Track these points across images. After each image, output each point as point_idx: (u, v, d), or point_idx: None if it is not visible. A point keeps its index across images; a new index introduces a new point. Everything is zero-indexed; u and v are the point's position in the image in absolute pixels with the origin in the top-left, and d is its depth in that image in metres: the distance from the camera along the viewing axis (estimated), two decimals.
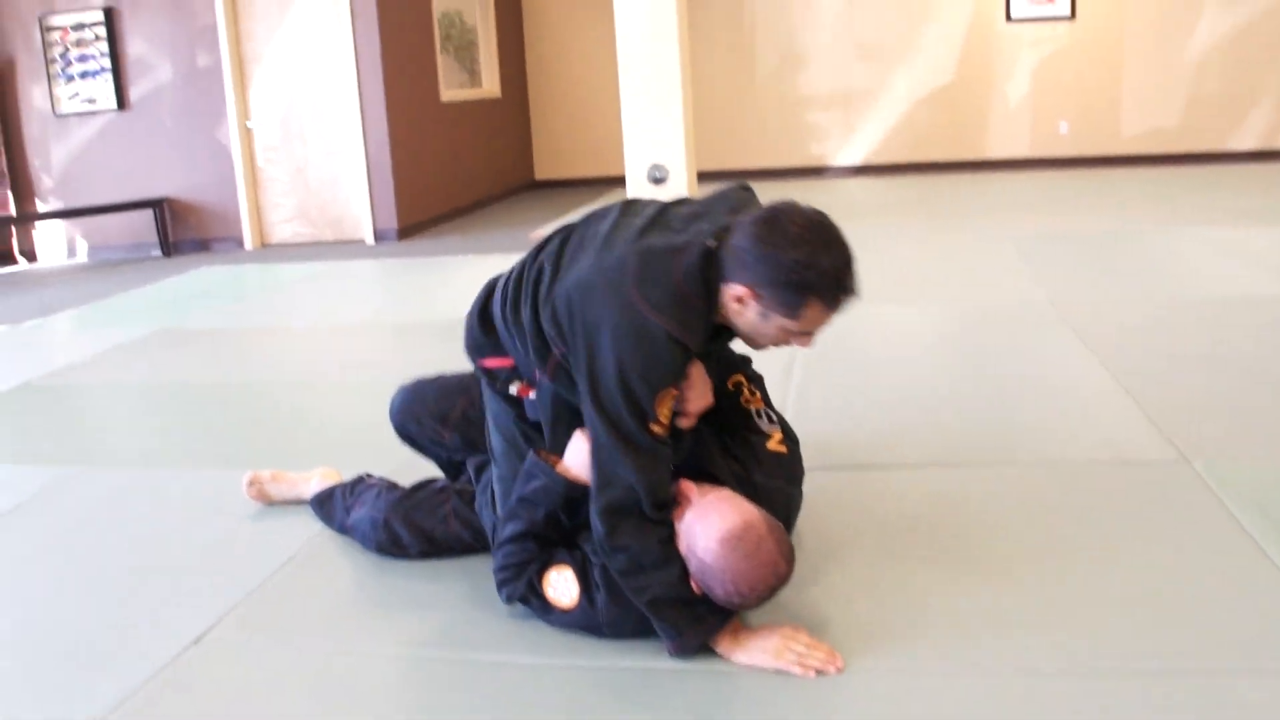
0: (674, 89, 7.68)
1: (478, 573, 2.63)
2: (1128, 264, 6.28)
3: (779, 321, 2.17)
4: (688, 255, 2.16)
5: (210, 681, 2.29)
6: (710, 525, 2.16)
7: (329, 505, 2.99)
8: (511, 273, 2.44)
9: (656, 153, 7.82)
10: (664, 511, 2.22)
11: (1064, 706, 2.04)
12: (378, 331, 5.61)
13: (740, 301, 2.16)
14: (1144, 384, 3.95)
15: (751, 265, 2.11)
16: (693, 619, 2.18)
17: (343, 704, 2.18)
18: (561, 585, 2.30)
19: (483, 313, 2.51)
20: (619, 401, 2.13)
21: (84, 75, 9.06)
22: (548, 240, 2.40)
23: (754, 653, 2.19)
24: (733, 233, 2.17)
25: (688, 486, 2.27)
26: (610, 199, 10.66)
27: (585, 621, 2.30)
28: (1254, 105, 10.95)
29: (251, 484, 3.23)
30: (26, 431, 4.31)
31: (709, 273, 2.16)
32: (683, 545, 2.20)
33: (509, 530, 2.37)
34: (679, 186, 7.86)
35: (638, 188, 7.91)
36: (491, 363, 2.50)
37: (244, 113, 8.97)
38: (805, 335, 2.22)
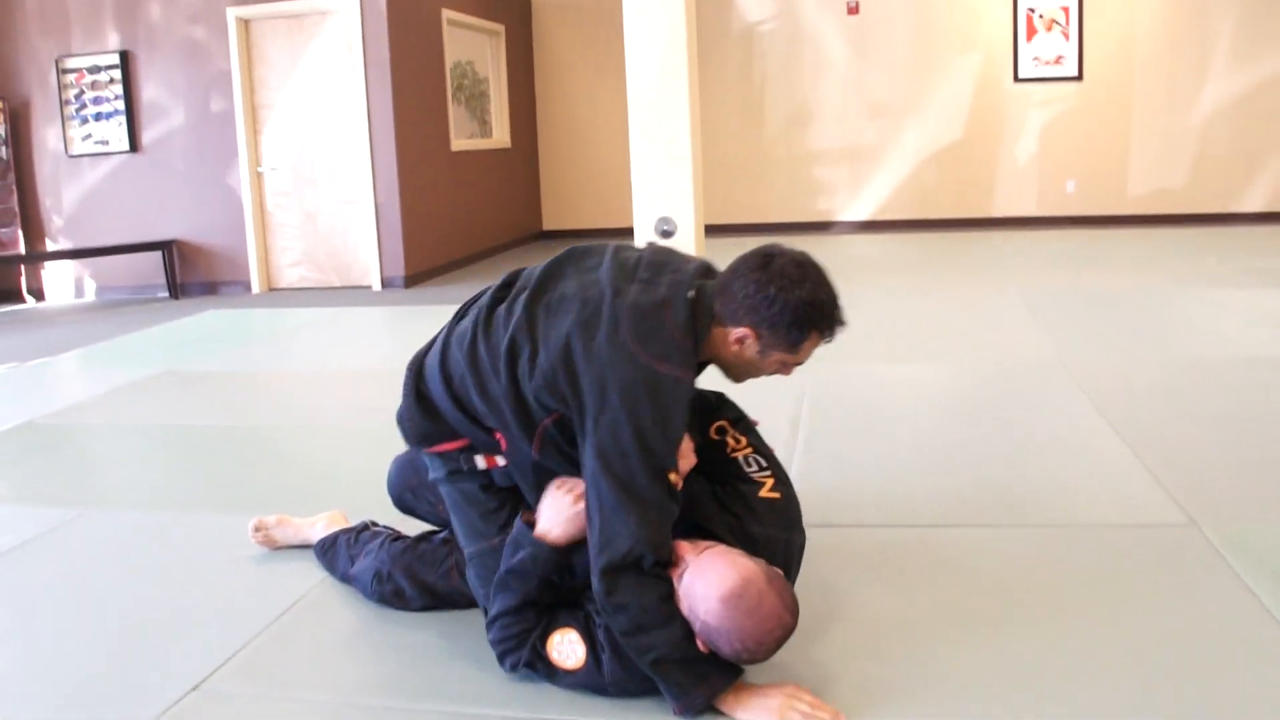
0: (683, 144, 7.71)
1: (480, 626, 2.60)
2: (1137, 323, 6.28)
3: (778, 356, 2.34)
4: (675, 307, 2.26)
5: None
6: (709, 585, 2.13)
7: (332, 554, 2.97)
8: (449, 354, 2.47)
9: (665, 206, 7.84)
10: (664, 569, 2.21)
11: None
12: (383, 378, 5.58)
13: (740, 342, 2.31)
14: (1152, 445, 3.93)
15: (756, 308, 2.26)
16: (697, 677, 2.16)
17: None
18: (566, 648, 2.28)
19: (420, 399, 2.50)
20: (633, 459, 2.14)
21: (98, 117, 9.13)
22: (489, 310, 2.45)
23: (757, 712, 2.16)
24: (727, 279, 2.31)
25: (683, 547, 2.25)
26: None
27: (591, 682, 2.27)
28: (1261, 167, 11.01)
29: (257, 529, 3.22)
30: (29, 472, 4.29)
31: (695, 320, 2.27)
32: (684, 607, 2.17)
33: (501, 604, 2.34)
34: (687, 240, 7.88)
35: (646, 241, 7.92)
36: (444, 447, 2.48)
37: (255, 158, 9.02)
38: (799, 364, 2.39)
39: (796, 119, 11.76)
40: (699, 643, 2.16)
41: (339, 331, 7.17)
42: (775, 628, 2.12)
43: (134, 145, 9.14)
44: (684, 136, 7.68)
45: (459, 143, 10.16)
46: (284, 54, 8.91)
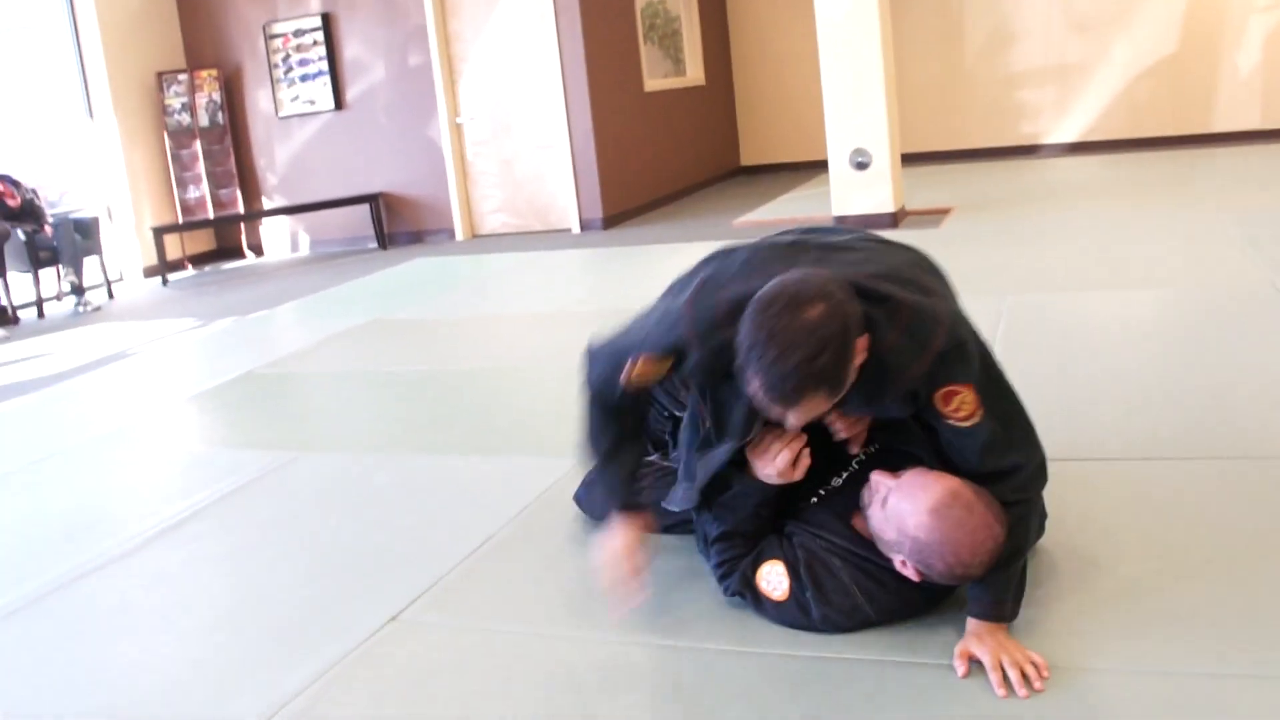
0: (876, 74, 7.55)
1: (667, 559, 2.65)
2: None
3: None
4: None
5: (401, 660, 2.38)
6: (917, 501, 2.11)
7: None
8: None
9: (859, 138, 7.71)
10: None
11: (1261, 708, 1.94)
12: (583, 319, 5.70)
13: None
14: None
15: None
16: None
17: (526, 686, 2.24)
18: (774, 579, 2.30)
19: None
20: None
21: (304, 78, 9.52)
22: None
23: (985, 645, 2.14)
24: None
25: (880, 475, 2.23)
26: (815, 183, 10.59)
27: (794, 617, 2.29)
28: None
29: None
30: (249, 418, 4.56)
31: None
32: (892, 531, 2.16)
33: (715, 530, 2.41)
34: (882, 170, 7.74)
35: (840, 173, 7.82)
36: None
37: (454, 109, 9.26)
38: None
39: (997, 38, 11.33)
40: (912, 570, 2.16)
41: (539, 275, 7.33)
42: (987, 538, 2.08)
43: (339, 103, 9.50)
44: (876, 65, 7.52)
45: (652, 83, 10.19)
46: (477, 6, 9.08)
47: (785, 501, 2.40)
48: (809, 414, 2.02)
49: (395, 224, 9.64)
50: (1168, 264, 5.73)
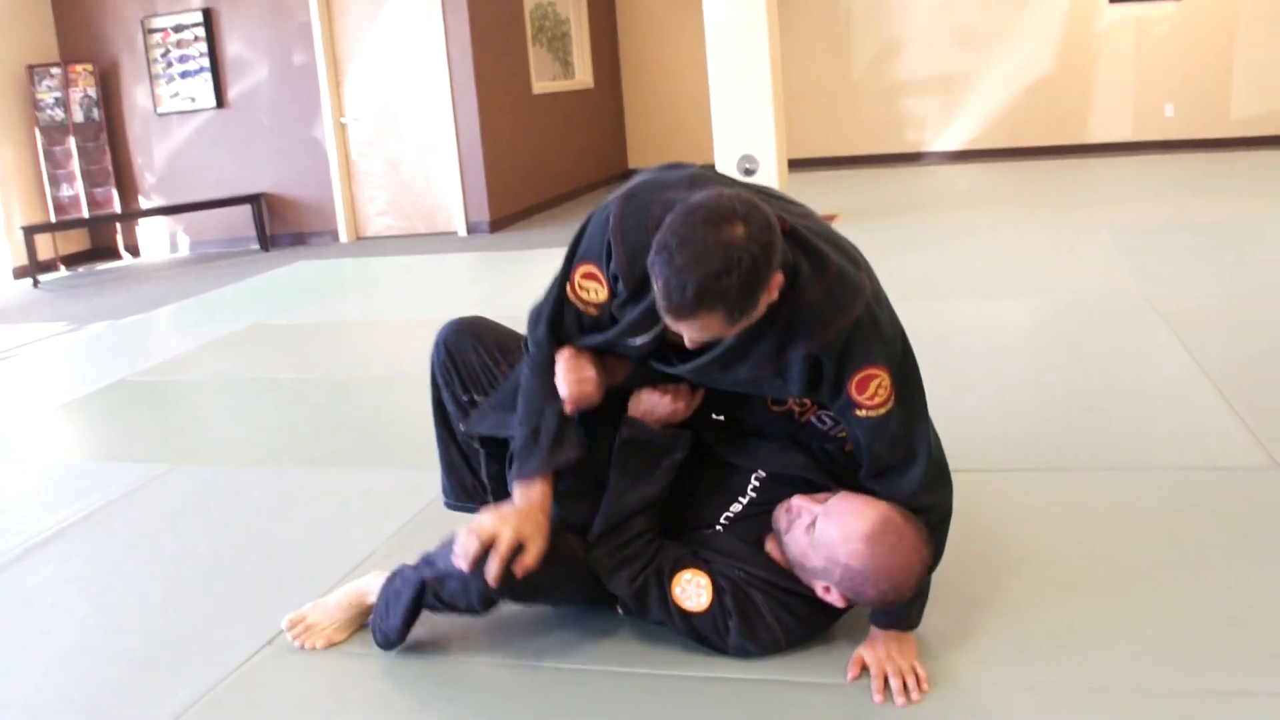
0: (763, 80, 7.60)
1: None
2: (1235, 256, 6.08)
3: None
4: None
5: (280, 686, 2.32)
6: (848, 528, 2.09)
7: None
8: None
9: (746, 144, 7.76)
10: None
11: None
12: None
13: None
14: (1237, 383, 3.82)
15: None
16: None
17: (410, 711, 2.20)
18: (693, 590, 2.21)
19: None
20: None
21: (184, 75, 9.28)
22: None
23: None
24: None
25: (800, 500, 2.21)
26: None
27: (707, 631, 2.23)
28: None
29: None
30: (121, 429, 4.42)
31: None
32: (818, 559, 2.12)
33: (601, 524, 2.34)
34: (769, 176, 7.80)
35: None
36: None
37: (339, 109, 9.11)
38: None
39: (885, 49, 11.52)
40: (837, 596, 2.15)
41: (425, 279, 7.24)
42: (917, 562, 2.09)
43: (220, 101, 9.28)
44: (764, 71, 7.57)
45: (541, 85, 10.14)
46: (364, 5, 8.95)
47: (672, 517, 2.36)
48: (704, 331, 1.94)
49: (278, 225, 9.45)
50: (1046, 272, 5.87)
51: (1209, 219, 7.14)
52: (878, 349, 2.07)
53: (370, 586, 2.46)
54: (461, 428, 2.57)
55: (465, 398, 2.60)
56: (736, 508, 2.35)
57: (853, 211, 8.45)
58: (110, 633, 2.63)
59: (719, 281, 1.82)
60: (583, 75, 11.24)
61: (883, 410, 2.09)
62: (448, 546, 2.21)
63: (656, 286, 1.88)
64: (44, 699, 2.35)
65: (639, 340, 2.16)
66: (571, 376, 2.25)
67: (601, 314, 2.17)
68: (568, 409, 2.27)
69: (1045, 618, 2.36)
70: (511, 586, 2.17)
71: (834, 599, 2.15)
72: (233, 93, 9.28)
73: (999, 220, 7.61)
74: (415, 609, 2.30)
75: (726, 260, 1.82)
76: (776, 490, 2.32)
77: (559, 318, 2.23)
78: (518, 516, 2.19)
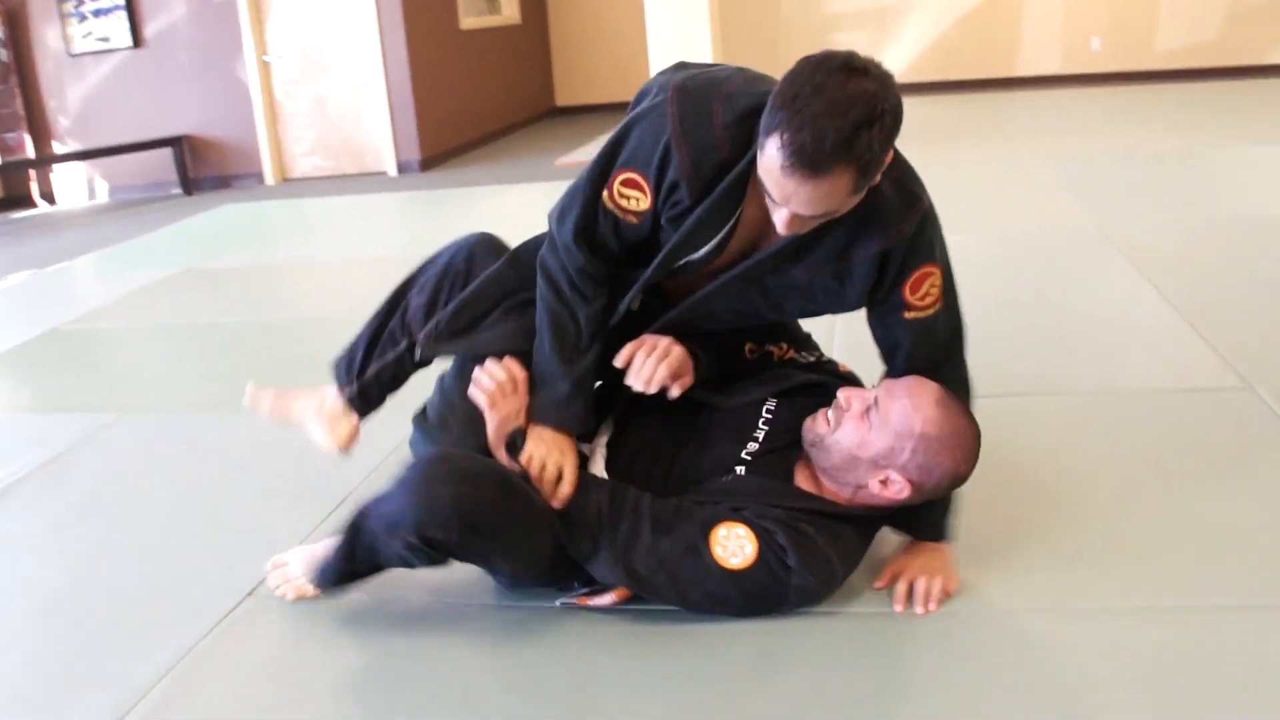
0: (702, 17, 7.49)
1: None
2: (1176, 184, 6.13)
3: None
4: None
5: (265, 640, 2.22)
6: (918, 396, 2.02)
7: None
8: None
9: None
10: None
11: (1145, 643, 1.97)
12: (404, 264, 5.48)
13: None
14: (1202, 310, 3.83)
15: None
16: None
17: (406, 658, 2.11)
18: (734, 543, 1.99)
19: None
20: None
21: (97, 13, 8.90)
22: None
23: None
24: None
25: (845, 391, 2.10)
26: None
27: (763, 582, 2.00)
28: None
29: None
30: (57, 380, 4.24)
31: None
32: (885, 439, 2.01)
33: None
34: None
35: None
36: None
37: (261, 46, 8.81)
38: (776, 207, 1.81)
39: None
40: (904, 482, 2.04)
41: (357, 219, 7.06)
42: (976, 433, 2.09)
43: (136, 40, 8.92)
44: (702, 6, 7.45)
45: (468, 21, 9.92)
46: None
47: (685, 468, 2.19)
48: (822, 200, 1.72)
49: (201, 168, 9.15)
50: (996, 207, 5.86)
51: (1146, 151, 7.19)
52: (937, 245, 2.02)
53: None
54: (420, 345, 2.29)
55: (441, 311, 2.31)
56: (754, 445, 2.18)
57: None
58: (75, 593, 2.50)
59: (861, 133, 1.65)
60: (509, 10, 11.00)
61: (931, 311, 2.03)
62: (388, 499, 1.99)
63: (778, 141, 1.66)
64: (13, 664, 2.23)
65: (703, 250, 1.99)
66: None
67: (643, 222, 1.99)
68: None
69: (1047, 541, 2.34)
70: (466, 525, 1.91)
71: (894, 491, 2.04)
72: (149, 31, 8.92)
73: (940, 155, 7.58)
74: (350, 546, 2.07)
75: (869, 110, 1.65)
76: (790, 416, 2.21)
77: (591, 223, 2.03)
78: (561, 448, 2.09)
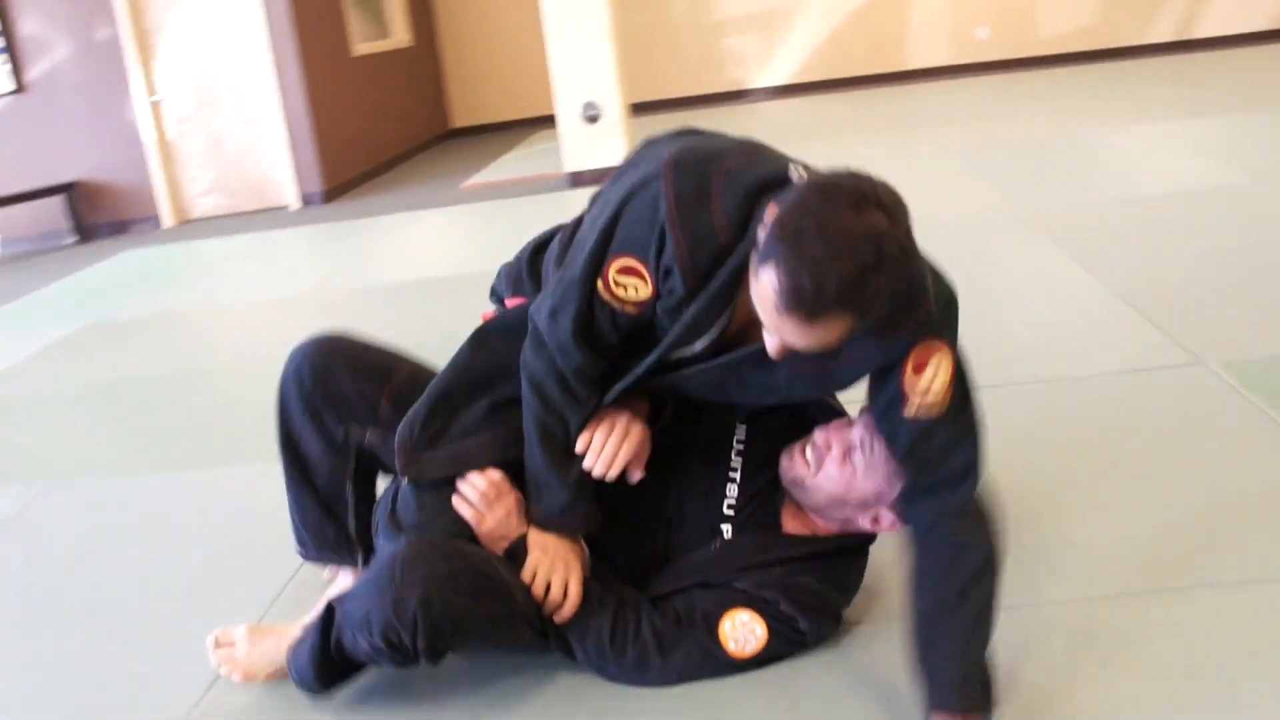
0: (603, 24, 7.44)
1: None
2: (1078, 165, 6.24)
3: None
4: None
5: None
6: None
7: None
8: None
9: (588, 91, 7.60)
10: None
11: (1150, 628, 1.97)
12: (322, 302, 5.36)
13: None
14: (1135, 288, 3.89)
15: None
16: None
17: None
18: (743, 631, 1.95)
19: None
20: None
21: None
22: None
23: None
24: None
25: (820, 433, 2.00)
26: (534, 141, 10.44)
27: (779, 650, 1.98)
28: None
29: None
30: None
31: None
32: (873, 481, 1.92)
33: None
34: (613, 122, 7.66)
35: (571, 128, 7.69)
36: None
37: (150, 85, 8.55)
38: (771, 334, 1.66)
39: None
40: (890, 519, 1.95)
41: (264, 258, 6.88)
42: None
43: (19, 85, 8.59)
44: (603, 15, 7.40)
45: (360, 46, 9.76)
46: None
47: (663, 540, 2.08)
48: (819, 338, 1.57)
49: (94, 214, 8.84)
50: (906, 197, 5.87)
51: (1042, 135, 7.31)
52: (947, 328, 1.80)
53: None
54: (401, 466, 2.03)
55: (341, 434, 2.16)
56: (733, 491, 2.07)
57: None
58: (36, 680, 2.36)
59: (867, 281, 1.49)
60: (400, 33, 10.86)
61: (936, 411, 1.78)
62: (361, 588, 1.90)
63: (775, 279, 1.50)
64: None
65: (697, 345, 1.83)
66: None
67: (643, 313, 1.81)
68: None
69: (1022, 531, 2.31)
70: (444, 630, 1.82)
71: (886, 525, 1.98)
72: (31, 75, 8.59)
73: (841, 150, 7.63)
74: (324, 645, 1.94)
75: (876, 253, 1.49)
76: (765, 445, 2.10)
77: (588, 318, 1.83)
78: (565, 559, 1.98)
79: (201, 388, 4.30)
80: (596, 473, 1.97)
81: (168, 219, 8.75)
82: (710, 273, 1.72)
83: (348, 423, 2.15)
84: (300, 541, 2.28)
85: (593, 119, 7.63)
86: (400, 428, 2.02)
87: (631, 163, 1.92)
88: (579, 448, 1.97)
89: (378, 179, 9.72)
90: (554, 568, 1.97)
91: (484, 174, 9.06)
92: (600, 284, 1.80)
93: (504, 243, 6.40)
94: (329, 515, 2.22)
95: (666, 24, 11.55)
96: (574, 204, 7.12)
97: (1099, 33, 11.10)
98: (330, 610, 1.92)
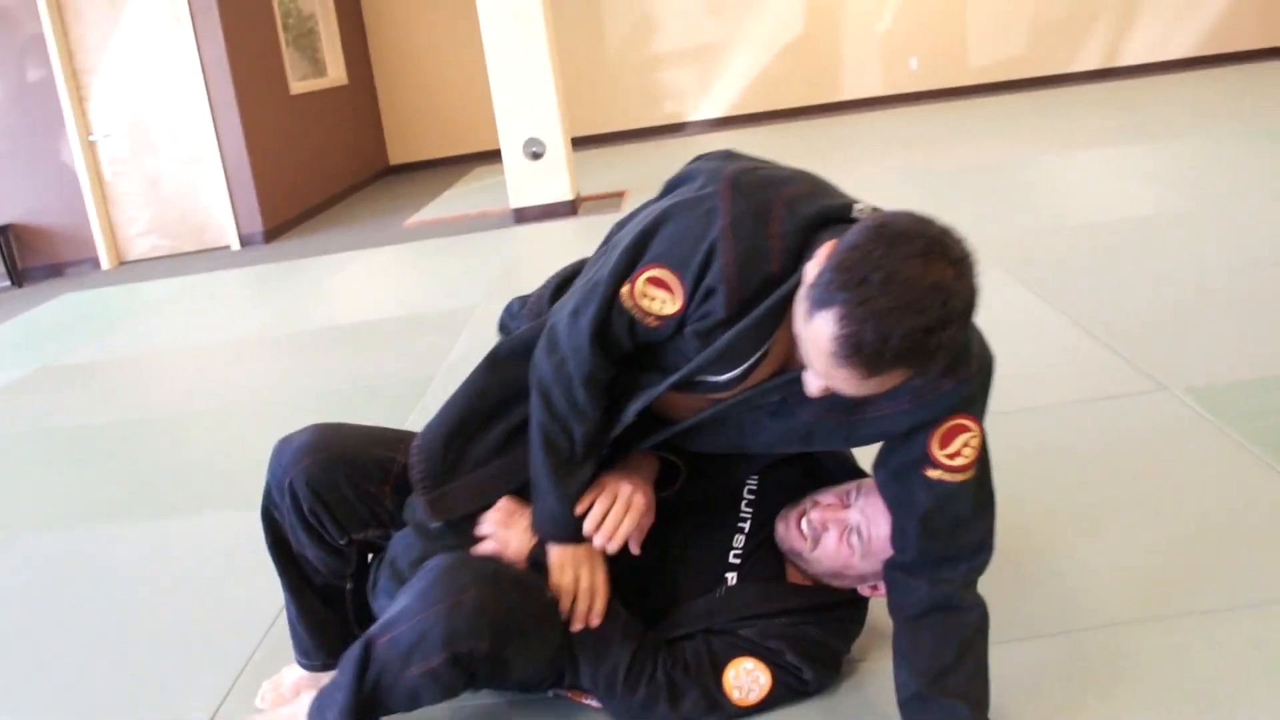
0: (543, 62, 7.46)
1: None
2: (1022, 192, 6.35)
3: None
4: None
5: None
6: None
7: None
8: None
9: (531, 128, 7.61)
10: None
11: (1141, 658, 2.00)
12: (270, 344, 5.30)
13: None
14: (1090, 314, 3.96)
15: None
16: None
17: None
18: (747, 680, 1.94)
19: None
20: None
21: None
22: None
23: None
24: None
25: (816, 512, 1.98)
26: (474, 177, 10.43)
27: (781, 699, 1.98)
28: (1095, 23, 11.25)
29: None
30: None
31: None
32: (872, 562, 1.92)
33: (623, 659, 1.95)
34: (557, 158, 7.67)
35: (515, 164, 7.70)
36: None
37: (85, 126, 8.43)
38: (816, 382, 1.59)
39: (638, 24, 11.54)
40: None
41: (208, 299, 6.79)
42: None
43: None
44: (543, 53, 7.44)
45: (297, 85, 9.70)
46: (101, 10, 8.28)
47: (669, 586, 2.05)
48: (870, 388, 1.51)
49: (29, 258, 8.68)
50: None
51: (982, 161, 7.44)
52: (981, 403, 1.75)
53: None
54: (425, 504, 1.96)
55: (343, 541, 2.06)
56: (740, 540, 2.05)
57: (639, 186, 8.42)
58: None
59: (931, 338, 1.43)
60: (335, 72, 10.82)
61: (962, 476, 1.73)
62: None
63: (834, 326, 1.43)
64: None
65: (726, 375, 1.74)
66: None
67: (663, 328, 1.73)
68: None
69: (1006, 566, 2.32)
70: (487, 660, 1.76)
71: (883, 592, 1.96)
72: None
73: None
74: (358, 690, 1.78)
75: (944, 311, 1.43)
76: (776, 494, 2.09)
77: (605, 323, 1.75)
78: (579, 559, 1.93)
79: (170, 433, 4.22)
80: (595, 545, 1.92)
81: (106, 260, 8.61)
82: (755, 299, 1.64)
83: (349, 530, 2.05)
84: (303, 651, 2.17)
85: (536, 155, 7.64)
86: (414, 464, 1.96)
87: (681, 177, 1.84)
88: (578, 510, 1.92)
89: (318, 217, 9.66)
90: (580, 571, 1.92)
91: (426, 211, 9.03)
92: (626, 289, 1.72)
93: (452, 279, 6.46)
94: (330, 608, 2.13)
95: (604, 59, 11.62)
96: (519, 240, 7.13)
97: (1028, 62, 11.34)
98: (366, 649, 1.79)
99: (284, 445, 2.07)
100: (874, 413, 1.73)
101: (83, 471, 3.99)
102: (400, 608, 1.79)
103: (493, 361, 1.98)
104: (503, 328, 2.19)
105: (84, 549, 3.22)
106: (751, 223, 1.62)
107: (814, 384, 1.58)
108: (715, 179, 1.69)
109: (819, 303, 1.46)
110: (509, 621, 1.77)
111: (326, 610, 2.12)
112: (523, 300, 2.17)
